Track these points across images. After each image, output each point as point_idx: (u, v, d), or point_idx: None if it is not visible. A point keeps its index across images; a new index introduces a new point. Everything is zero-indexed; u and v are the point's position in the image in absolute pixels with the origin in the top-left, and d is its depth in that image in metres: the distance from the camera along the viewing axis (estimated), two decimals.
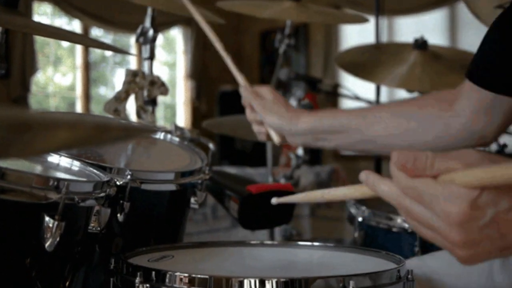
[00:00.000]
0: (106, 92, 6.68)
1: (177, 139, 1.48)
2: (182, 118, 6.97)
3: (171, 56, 7.15)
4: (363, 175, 0.79)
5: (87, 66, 6.30)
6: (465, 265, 0.76)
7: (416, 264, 1.15)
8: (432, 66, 2.07)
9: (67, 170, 1.13)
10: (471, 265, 0.75)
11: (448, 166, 0.72)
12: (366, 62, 2.21)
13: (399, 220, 1.47)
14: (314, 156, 5.01)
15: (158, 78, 1.64)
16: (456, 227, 0.71)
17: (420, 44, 2.08)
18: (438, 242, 0.75)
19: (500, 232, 0.71)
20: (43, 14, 6.13)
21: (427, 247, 1.44)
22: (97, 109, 6.37)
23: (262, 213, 1.47)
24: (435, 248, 1.45)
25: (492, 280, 1.13)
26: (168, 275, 0.90)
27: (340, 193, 0.86)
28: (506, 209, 0.70)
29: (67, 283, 1.04)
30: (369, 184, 0.78)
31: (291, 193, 1.49)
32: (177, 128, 1.51)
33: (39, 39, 5.70)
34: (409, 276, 0.96)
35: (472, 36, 5.39)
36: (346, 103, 6.60)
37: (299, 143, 1.39)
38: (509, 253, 0.74)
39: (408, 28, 5.93)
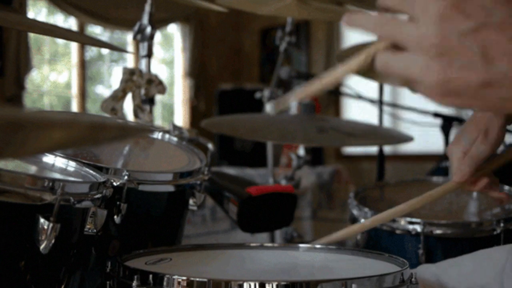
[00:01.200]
0: (102, 90, 6.68)
1: (175, 139, 1.48)
2: (180, 118, 6.97)
3: (169, 54, 7.15)
4: (344, 17, 0.74)
5: (83, 64, 6.30)
6: (438, 97, 0.68)
7: (427, 270, 1.15)
8: None
9: (63, 171, 1.13)
10: (443, 95, 0.67)
11: None
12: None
13: (402, 222, 1.47)
14: (315, 156, 5.01)
15: (155, 76, 1.64)
16: (433, 26, 0.66)
17: None
18: (411, 65, 0.68)
19: (483, 52, 0.64)
20: (38, 11, 6.13)
21: (431, 250, 1.44)
22: (93, 108, 6.37)
23: (262, 216, 1.47)
24: (439, 250, 1.45)
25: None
26: (166, 279, 0.90)
27: (339, 72, 0.78)
28: (497, 23, 0.64)
29: (63, 287, 1.04)
30: (349, 22, 0.73)
31: (292, 195, 1.49)
32: (175, 127, 1.51)
33: (34, 37, 5.70)
34: (413, 280, 0.96)
35: None
36: (349, 102, 6.61)
37: None
38: (490, 95, 0.66)
39: None
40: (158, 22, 5.92)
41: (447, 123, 2.57)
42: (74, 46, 6.23)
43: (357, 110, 6.09)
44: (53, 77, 6.41)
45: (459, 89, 0.66)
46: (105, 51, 6.55)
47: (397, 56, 0.70)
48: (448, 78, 0.66)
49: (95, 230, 1.06)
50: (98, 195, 1.04)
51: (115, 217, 1.13)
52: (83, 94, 6.29)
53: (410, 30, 0.68)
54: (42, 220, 0.93)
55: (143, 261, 1.06)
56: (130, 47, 6.29)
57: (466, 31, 0.65)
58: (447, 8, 0.65)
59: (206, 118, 1.93)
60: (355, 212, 1.58)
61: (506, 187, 1.59)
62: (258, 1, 2.21)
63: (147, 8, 1.74)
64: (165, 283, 0.90)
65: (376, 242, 1.52)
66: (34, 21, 1.73)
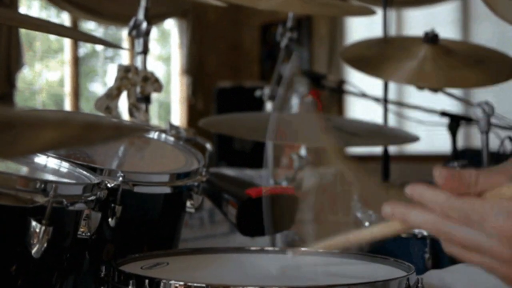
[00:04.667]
0: (96, 88, 6.68)
1: (172, 138, 1.48)
2: (177, 117, 6.97)
3: (166, 50, 7.15)
4: (387, 209, 0.77)
5: (77, 61, 6.30)
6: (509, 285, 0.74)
7: (434, 276, 1.15)
8: (443, 61, 2.06)
9: (55, 172, 1.13)
10: None
11: (493, 181, 0.71)
12: (373, 57, 2.20)
13: None
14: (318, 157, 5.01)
15: (151, 74, 1.64)
16: (508, 243, 0.70)
17: (431, 38, 2.08)
18: (484, 264, 0.74)
19: None
20: (30, 6, 6.14)
21: (438, 254, 1.44)
22: (87, 106, 6.38)
23: (262, 219, 1.47)
24: (447, 254, 1.45)
25: None
26: (162, 284, 0.90)
27: (367, 234, 0.83)
28: None
29: None
30: (398, 217, 0.76)
31: (294, 197, 1.49)
32: (172, 127, 1.51)
33: (25, 33, 5.70)
34: (419, 285, 0.96)
35: (486, 30, 5.40)
36: (352, 101, 6.61)
37: None
38: None
39: (418, 20, 5.93)
40: (154, 18, 5.92)
41: (455, 123, 2.57)
42: (67, 42, 6.24)
43: (361, 109, 6.09)
44: (45, 74, 6.42)
45: None
46: (99, 47, 6.55)
47: (467, 254, 0.74)
48: None
49: (89, 234, 1.06)
50: (92, 197, 1.04)
51: (110, 219, 1.13)
52: (76, 92, 6.30)
53: (481, 238, 0.71)
54: (34, 223, 0.93)
55: (139, 266, 1.06)
56: (125, 44, 6.30)
57: None
58: None
59: (204, 117, 1.94)
60: (359, 215, 1.58)
61: None
62: None
63: (143, 2, 1.74)
64: None
65: (381, 246, 1.52)
66: (25, 16, 1.73)
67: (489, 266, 0.73)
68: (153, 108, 6.70)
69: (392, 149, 3.71)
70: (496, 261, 0.72)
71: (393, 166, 2.88)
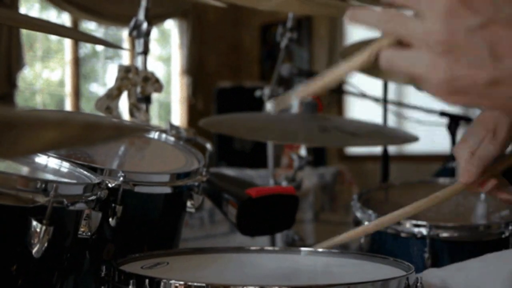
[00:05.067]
0: (97, 89, 6.68)
1: (172, 138, 1.48)
2: (178, 117, 6.97)
3: (166, 51, 7.15)
4: (348, 13, 0.74)
5: (77, 61, 6.30)
6: (445, 95, 0.68)
7: (433, 275, 1.15)
8: None
9: (56, 172, 1.13)
10: (450, 93, 0.67)
11: None
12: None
13: (407, 225, 1.47)
14: (318, 157, 5.01)
15: (152, 74, 1.64)
16: (439, 22, 0.65)
17: None
18: (417, 62, 0.68)
19: (491, 49, 0.64)
20: (31, 7, 6.14)
21: (437, 254, 1.44)
22: (87, 106, 6.37)
23: (262, 218, 1.47)
24: (446, 254, 1.45)
25: None
26: (162, 283, 0.90)
27: (342, 69, 0.76)
28: (506, 19, 0.64)
29: None
30: (352, 18, 0.73)
31: (294, 197, 1.49)
32: (172, 127, 1.51)
33: (26, 33, 5.70)
34: (419, 284, 0.96)
35: None
36: (352, 101, 6.61)
37: None
38: (499, 94, 0.66)
39: None
40: (155, 18, 5.92)
41: (454, 122, 2.57)
42: (67, 42, 6.23)
43: (361, 109, 6.09)
44: (46, 74, 6.41)
45: (466, 87, 0.66)
46: (99, 48, 6.55)
47: (402, 52, 0.70)
48: (455, 75, 0.66)
49: (89, 233, 1.06)
50: (93, 197, 1.04)
51: (110, 219, 1.13)
52: (77, 92, 6.30)
53: (415, 26, 0.68)
54: (34, 222, 0.93)
55: (139, 265, 1.06)
56: (126, 44, 6.29)
57: (474, 27, 0.64)
58: (454, 3, 0.65)
59: (204, 117, 1.94)
60: (358, 214, 1.58)
61: None
62: None
63: (143, 3, 1.74)
64: None
65: (381, 245, 1.52)
66: (26, 16, 1.73)
67: (421, 61, 0.68)
68: (154, 108, 6.70)
69: (392, 149, 3.71)
70: (426, 48, 0.67)
71: (392, 166, 2.88)
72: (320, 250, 1.20)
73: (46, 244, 0.93)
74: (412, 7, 0.69)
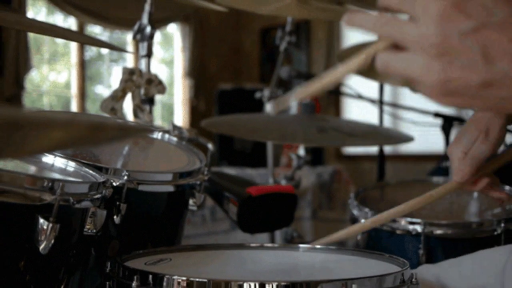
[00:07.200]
0: (102, 90, 6.67)
1: (175, 139, 1.48)
2: (180, 118, 6.97)
3: (169, 54, 7.15)
4: (345, 17, 0.74)
5: (83, 64, 6.30)
6: (439, 96, 0.68)
7: (428, 271, 1.15)
8: None
9: (62, 171, 1.13)
10: (444, 95, 0.67)
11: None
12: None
13: (403, 223, 1.47)
14: (316, 156, 5.01)
15: (155, 76, 1.64)
16: (433, 26, 0.65)
17: None
18: (412, 65, 0.68)
19: (484, 52, 0.65)
20: (38, 11, 6.13)
21: (432, 251, 1.44)
22: (92, 108, 6.37)
23: (262, 216, 1.47)
24: (440, 250, 1.45)
25: None
26: (165, 279, 0.90)
27: (340, 71, 0.76)
28: (498, 23, 0.64)
29: (62, 287, 1.04)
30: (349, 22, 0.73)
31: (292, 195, 1.49)
32: (175, 127, 1.51)
33: (33, 36, 5.70)
34: (413, 280, 0.96)
35: None
36: (349, 102, 6.61)
37: None
38: (491, 95, 0.66)
39: None
40: (158, 22, 5.92)
41: (448, 123, 2.57)
42: (73, 46, 6.23)
43: (358, 110, 6.09)
44: (52, 77, 6.41)
45: (460, 89, 0.67)
46: (104, 51, 6.55)
47: (398, 55, 0.70)
48: (448, 78, 0.66)
49: (94, 231, 1.06)
50: (98, 195, 1.04)
51: (115, 217, 1.13)
52: (82, 94, 6.29)
53: (410, 29, 0.68)
54: (41, 220, 0.93)
55: (143, 262, 1.06)
56: (130, 47, 6.29)
57: (467, 31, 0.65)
58: (447, 7, 0.65)
59: (205, 118, 1.93)
60: (355, 212, 1.58)
61: (507, 187, 1.59)
62: (258, 1, 2.21)
63: (147, 7, 1.74)
64: (164, 284, 0.90)
65: (377, 242, 1.52)
66: (33, 20, 1.73)
67: (416, 64, 0.68)
68: (157, 109, 6.69)
69: (387, 148, 3.71)
70: (421, 51, 0.67)
71: (388, 165, 2.88)
72: (318, 246, 1.20)
73: (52, 241, 0.93)
74: (407, 11, 0.69)
